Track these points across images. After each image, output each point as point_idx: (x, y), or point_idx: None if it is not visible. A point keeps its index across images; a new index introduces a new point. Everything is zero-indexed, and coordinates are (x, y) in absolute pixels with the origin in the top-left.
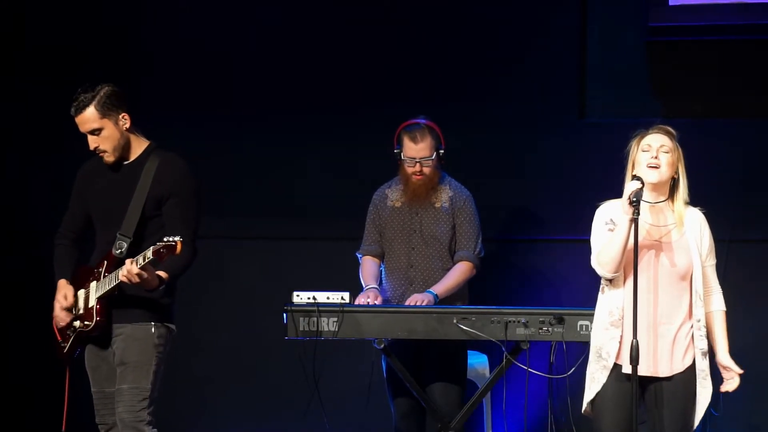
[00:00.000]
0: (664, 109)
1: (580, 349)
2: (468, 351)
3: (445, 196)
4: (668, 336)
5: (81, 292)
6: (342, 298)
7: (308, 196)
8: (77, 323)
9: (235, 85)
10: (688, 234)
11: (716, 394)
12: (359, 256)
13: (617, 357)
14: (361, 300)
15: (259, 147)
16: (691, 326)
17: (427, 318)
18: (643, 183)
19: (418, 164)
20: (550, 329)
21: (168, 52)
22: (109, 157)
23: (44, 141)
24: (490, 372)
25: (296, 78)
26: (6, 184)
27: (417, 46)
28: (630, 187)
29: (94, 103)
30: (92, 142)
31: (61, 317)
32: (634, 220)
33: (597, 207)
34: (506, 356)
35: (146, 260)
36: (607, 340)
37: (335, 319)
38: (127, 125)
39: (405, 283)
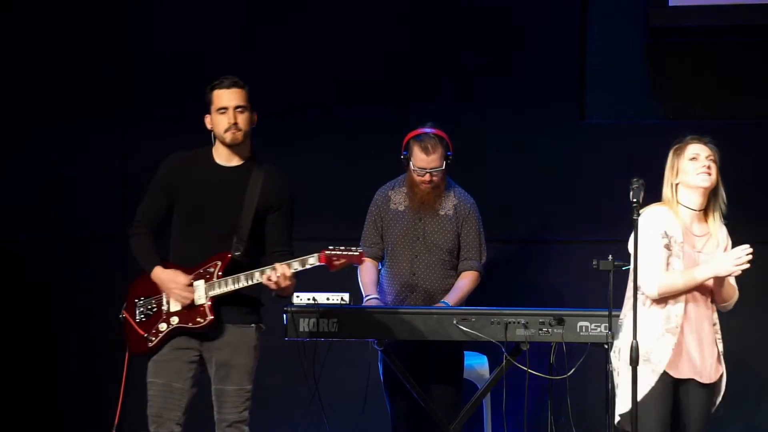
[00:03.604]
0: (664, 110)
1: (580, 350)
2: (467, 352)
3: (449, 203)
4: (707, 342)
5: None
6: (342, 299)
7: (308, 196)
8: (175, 319)
9: None
10: (720, 249)
11: None
12: None
13: (668, 364)
14: None
15: (258, 147)
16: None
17: (427, 319)
18: (642, 183)
19: (428, 174)
20: (550, 330)
21: (168, 51)
22: (239, 136)
23: (39, 142)
24: (490, 373)
25: (296, 77)
26: (6, 185)
27: (417, 47)
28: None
29: (245, 86)
30: (234, 116)
31: (185, 295)
32: (635, 221)
33: (637, 212)
34: (506, 357)
35: (305, 267)
36: (659, 346)
37: (335, 320)
38: (255, 124)
39: (406, 290)
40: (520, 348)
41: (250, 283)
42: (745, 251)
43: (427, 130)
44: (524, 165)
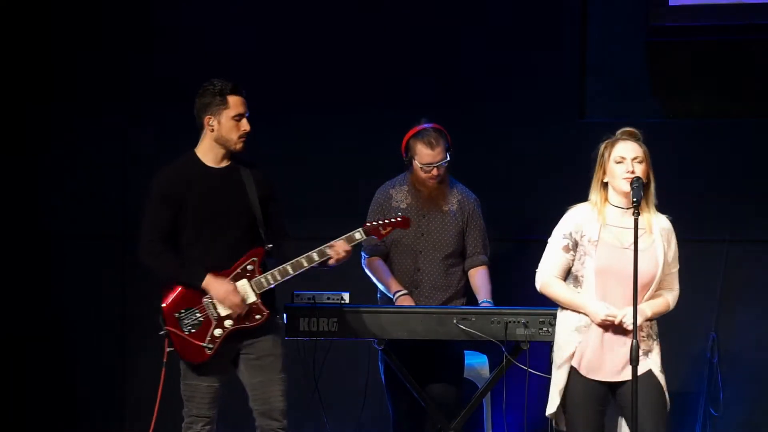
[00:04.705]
0: (664, 109)
1: None
2: (468, 351)
3: (453, 199)
4: (616, 343)
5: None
6: (342, 298)
7: (308, 195)
8: (229, 322)
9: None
10: (657, 242)
11: (716, 394)
12: (365, 255)
13: (579, 363)
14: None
15: (258, 147)
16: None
17: (427, 318)
18: (641, 183)
19: (435, 169)
20: (550, 329)
21: (168, 49)
22: (243, 144)
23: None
24: (490, 372)
25: (296, 77)
26: (15, 186)
27: (417, 46)
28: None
29: None
30: (248, 126)
31: (240, 306)
32: (635, 221)
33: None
34: (506, 356)
35: (351, 244)
36: (571, 345)
37: (335, 319)
38: None
39: (410, 287)
40: (521, 347)
41: (297, 271)
42: (616, 317)
43: (425, 125)
44: (524, 164)
